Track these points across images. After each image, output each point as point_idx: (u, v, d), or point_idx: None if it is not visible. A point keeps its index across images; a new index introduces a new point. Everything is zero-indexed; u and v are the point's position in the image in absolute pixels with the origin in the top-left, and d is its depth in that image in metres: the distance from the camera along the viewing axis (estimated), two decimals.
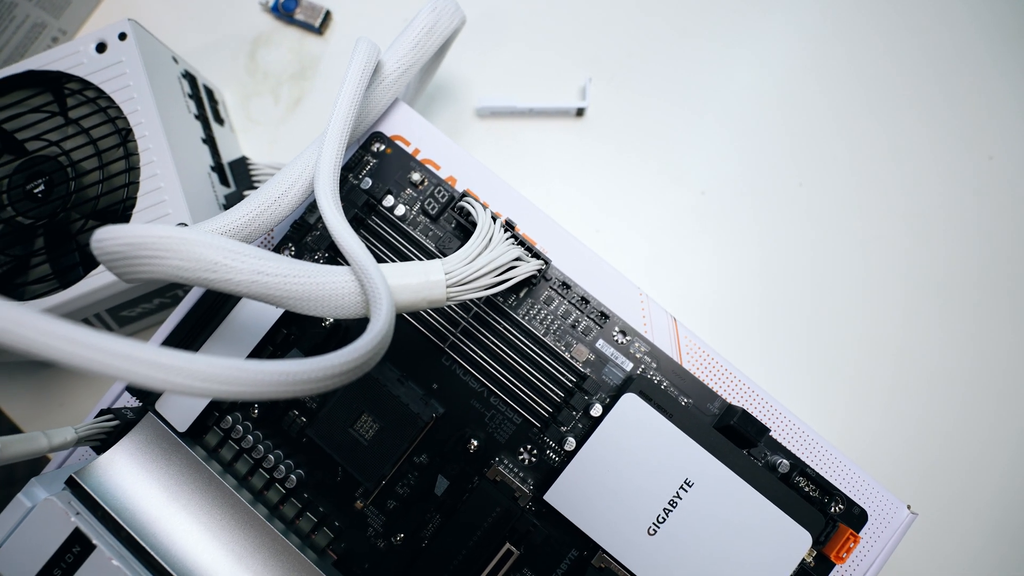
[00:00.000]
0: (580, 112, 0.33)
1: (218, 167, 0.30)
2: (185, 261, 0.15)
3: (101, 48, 0.26)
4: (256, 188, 0.30)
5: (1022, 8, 0.33)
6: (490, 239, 0.19)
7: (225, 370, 0.13)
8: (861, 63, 0.33)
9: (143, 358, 0.12)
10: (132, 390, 0.23)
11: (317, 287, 0.16)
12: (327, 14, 0.34)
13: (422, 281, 0.17)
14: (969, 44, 0.33)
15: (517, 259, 0.20)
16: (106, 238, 0.16)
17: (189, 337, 0.22)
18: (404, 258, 0.23)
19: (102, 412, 0.22)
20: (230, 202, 0.29)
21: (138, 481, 0.21)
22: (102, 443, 0.21)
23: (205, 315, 0.22)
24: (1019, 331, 0.31)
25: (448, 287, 0.17)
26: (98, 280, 0.25)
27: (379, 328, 0.14)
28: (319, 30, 0.34)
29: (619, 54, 0.34)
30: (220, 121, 0.32)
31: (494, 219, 0.20)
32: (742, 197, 0.33)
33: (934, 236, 0.32)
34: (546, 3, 0.34)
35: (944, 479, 0.30)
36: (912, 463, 0.30)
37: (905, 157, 0.33)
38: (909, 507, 0.22)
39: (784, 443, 0.22)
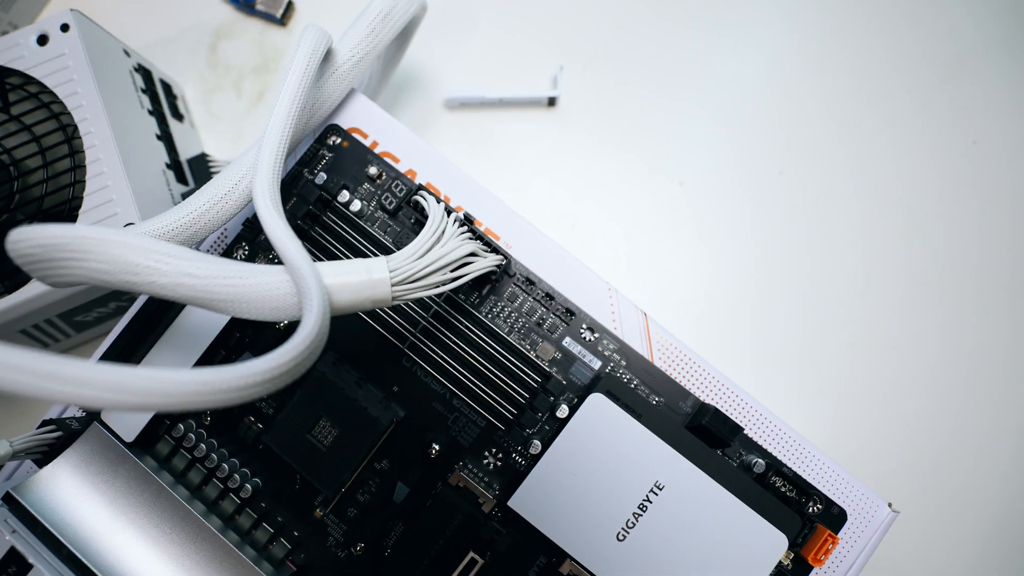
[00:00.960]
0: (552, 101, 0.32)
1: (175, 164, 0.29)
2: (104, 263, 0.14)
3: (43, 40, 0.25)
4: None
5: None
6: (442, 233, 0.18)
7: (135, 381, 0.12)
8: (842, 50, 0.32)
9: (43, 370, 0.11)
10: None
11: (249, 288, 0.15)
12: (289, 4, 0.33)
13: (363, 280, 0.16)
14: (957, 28, 0.32)
15: (472, 254, 0.19)
16: (20, 239, 0.15)
17: (134, 343, 0.21)
18: (360, 255, 0.22)
19: (44, 423, 0.21)
20: None
21: (81, 495, 0.20)
22: (44, 455, 0.20)
23: (152, 319, 0.21)
24: (1013, 326, 0.30)
25: (393, 285, 0.16)
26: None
27: (308, 331, 0.13)
28: (281, 21, 0.33)
29: (593, 41, 0.32)
30: (179, 117, 0.31)
31: (448, 212, 0.19)
32: (721, 187, 0.32)
33: (920, 226, 0.31)
34: None
35: (936, 480, 0.29)
36: (903, 464, 0.30)
37: (889, 144, 0.32)
38: (890, 505, 0.22)
39: (759, 441, 0.22)
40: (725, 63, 0.32)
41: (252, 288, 0.15)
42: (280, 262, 0.23)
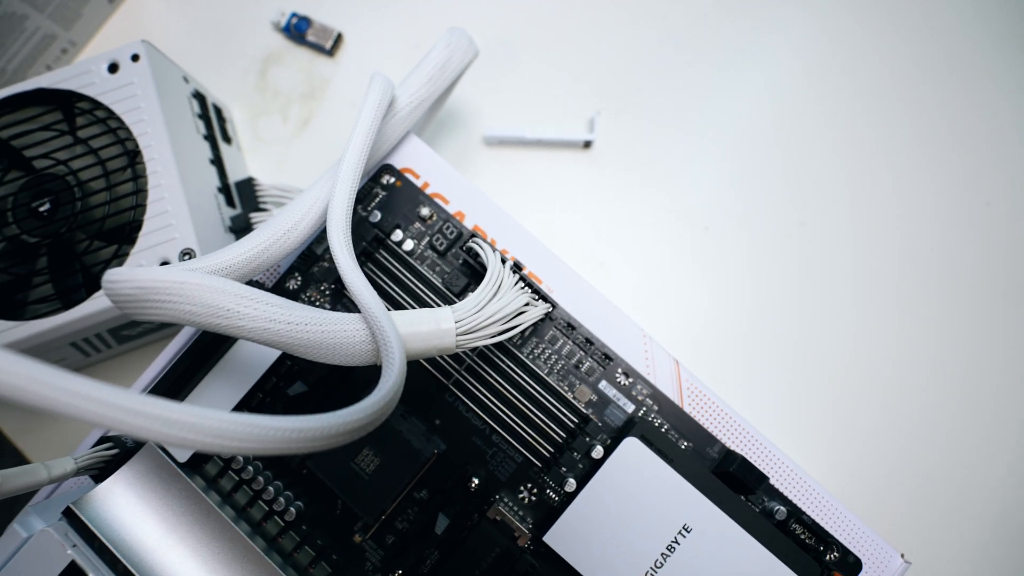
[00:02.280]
0: (587, 144, 0.33)
1: (224, 188, 0.30)
2: (197, 307, 0.15)
3: (113, 68, 0.26)
4: (261, 210, 0.30)
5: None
6: (499, 286, 0.19)
7: (236, 426, 0.13)
8: (866, 101, 0.34)
9: (149, 412, 0.12)
10: None
11: (328, 335, 0.16)
12: (339, 36, 0.34)
13: (433, 329, 0.17)
14: (980, 86, 0.34)
15: (525, 304, 0.20)
16: (118, 280, 0.16)
17: (191, 370, 0.22)
18: (411, 294, 0.23)
19: (102, 440, 0.22)
20: (235, 224, 0.29)
21: (136, 512, 0.21)
22: (100, 471, 0.21)
23: (208, 346, 0.22)
24: (1009, 375, 0.32)
25: (457, 335, 0.17)
26: (101, 302, 0.25)
27: (392, 382, 0.14)
28: (330, 52, 0.34)
29: (628, 87, 0.34)
30: (228, 139, 0.32)
31: (503, 261, 0.21)
32: (745, 234, 0.33)
33: (932, 279, 0.32)
34: (557, 34, 0.34)
35: (932, 517, 0.31)
36: (905, 503, 0.31)
37: (906, 200, 0.33)
38: (903, 556, 0.23)
39: (782, 489, 0.23)
40: (750, 114, 0.34)
41: (331, 335, 0.16)
42: (335, 295, 0.24)
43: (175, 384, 0.22)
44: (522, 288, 0.20)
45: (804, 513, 0.22)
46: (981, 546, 0.30)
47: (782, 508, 0.22)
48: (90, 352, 0.29)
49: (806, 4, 0.34)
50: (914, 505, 0.31)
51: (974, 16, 0.34)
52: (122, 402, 0.12)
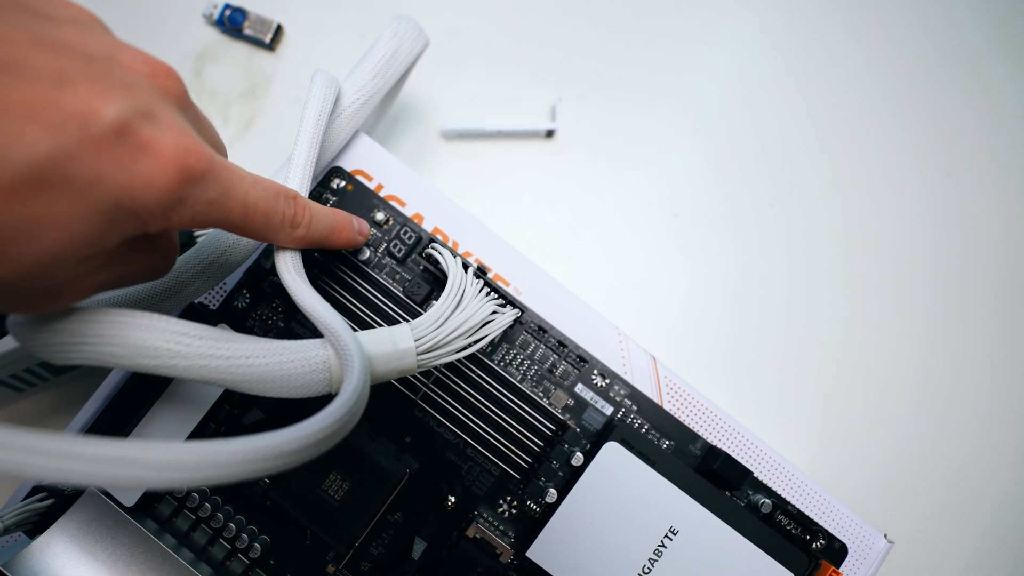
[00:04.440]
0: (550, 134, 0.32)
1: None
2: (120, 347, 0.13)
3: None
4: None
5: (995, 29, 0.34)
6: (462, 296, 0.17)
7: (184, 455, 0.11)
8: (832, 79, 0.33)
9: (85, 454, 0.11)
10: None
11: (270, 368, 0.14)
12: (278, 29, 0.31)
13: (390, 350, 0.16)
14: (946, 61, 0.34)
15: (492, 313, 0.19)
16: (24, 321, 0.14)
17: (133, 403, 0.20)
18: (371, 306, 0.22)
19: (35, 490, 0.20)
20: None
21: (79, 566, 0.19)
22: (35, 524, 0.19)
23: (150, 379, 0.20)
24: (997, 358, 0.32)
25: (419, 355, 0.16)
26: None
27: (352, 390, 0.13)
28: (270, 46, 0.31)
29: (588, 71, 0.33)
30: None
31: (465, 267, 0.19)
32: (715, 219, 0.32)
33: (907, 259, 0.33)
34: (514, 21, 0.33)
35: (920, 507, 0.31)
36: (888, 491, 0.31)
37: (875, 179, 0.33)
38: (886, 536, 0.23)
39: (766, 481, 0.22)
40: (717, 97, 0.33)
41: (274, 367, 0.14)
42: (288, 312, 0.22)
43: (113, 423, 0.20)
44: (487, 295, 0.19)
45: (789, 504, 0.22)
46: (964, 527, 0.31)
47: (767, 501, 0.22)
48: (23, 387, 0.27)
49: None
50: (900, 491, 0.31)
51: None
52: (49, 447, 0.11)
